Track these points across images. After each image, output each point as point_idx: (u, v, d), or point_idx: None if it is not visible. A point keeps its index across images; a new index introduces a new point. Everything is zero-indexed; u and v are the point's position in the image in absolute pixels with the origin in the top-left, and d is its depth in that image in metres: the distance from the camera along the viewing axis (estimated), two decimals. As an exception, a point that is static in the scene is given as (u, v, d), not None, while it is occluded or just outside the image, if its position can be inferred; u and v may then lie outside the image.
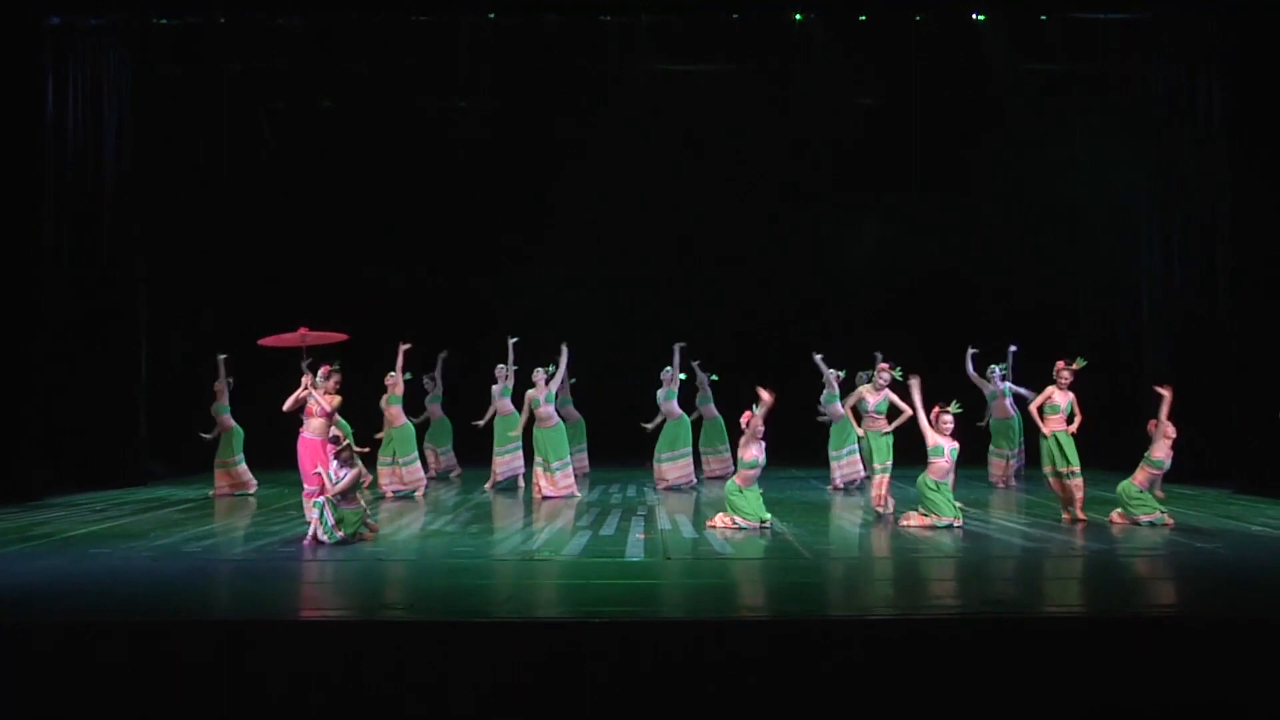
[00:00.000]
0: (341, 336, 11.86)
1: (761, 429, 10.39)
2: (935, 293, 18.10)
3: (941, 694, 6.20)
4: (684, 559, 8.98)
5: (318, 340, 11.56)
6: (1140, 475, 10.62)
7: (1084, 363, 11.07)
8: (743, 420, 10.58)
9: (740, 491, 10.44)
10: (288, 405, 10.62)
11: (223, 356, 14.07)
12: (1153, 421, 10.77)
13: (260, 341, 12.03)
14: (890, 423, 11.45)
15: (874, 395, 11.77)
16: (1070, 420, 10.89)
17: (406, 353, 13.56)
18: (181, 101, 16.25)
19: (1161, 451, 10.56)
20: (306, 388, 10.50)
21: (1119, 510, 10.72)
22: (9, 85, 13.04)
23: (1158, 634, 6.51)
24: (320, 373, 10.62)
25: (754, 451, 10.41)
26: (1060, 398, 10.90)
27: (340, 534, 9.54)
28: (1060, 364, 11.02)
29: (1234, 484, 13.33)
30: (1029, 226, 17.80)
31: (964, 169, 17.57)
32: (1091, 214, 17.35)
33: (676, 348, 14.72)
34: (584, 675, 6.21)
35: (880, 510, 11.16)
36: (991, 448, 14.64)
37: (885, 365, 11.77)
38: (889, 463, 11.38)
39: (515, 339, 14.28)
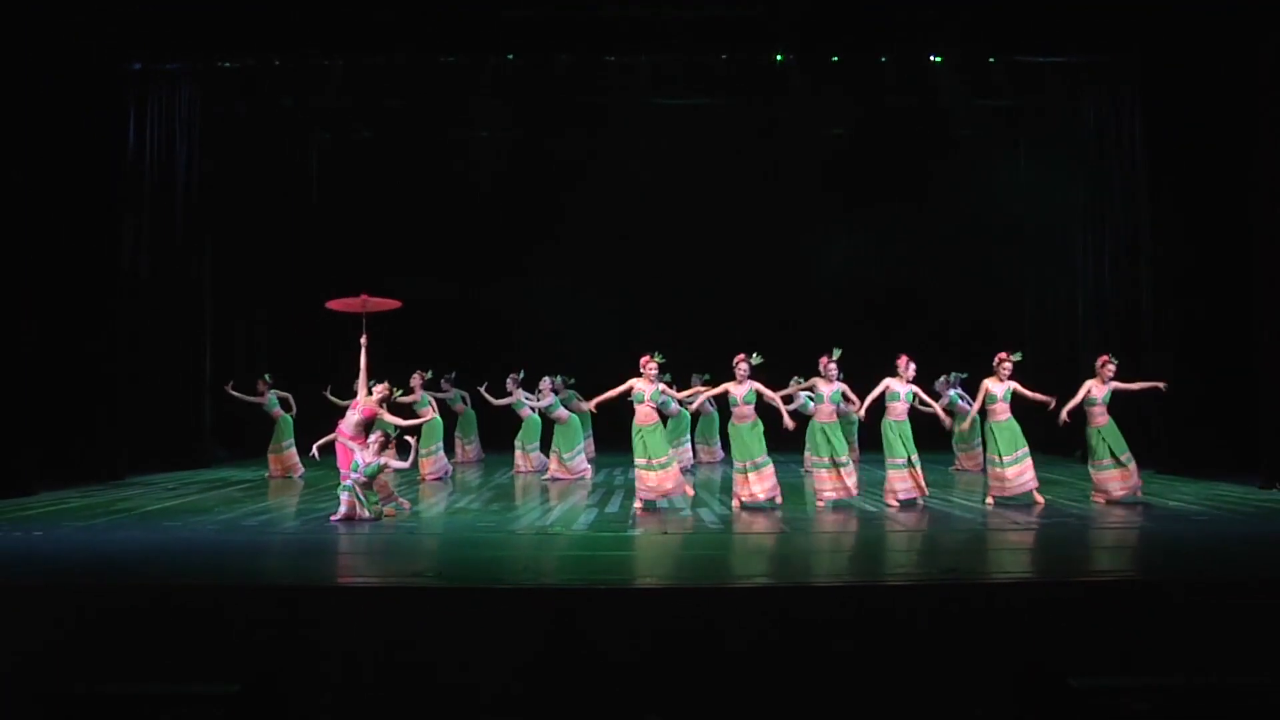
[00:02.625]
0: (397, 304, 11.75)
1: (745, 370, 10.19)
2: (897, 299, 18.02)
3: (896, 652, 6.19)
4: (678, 533, 8.95)
5: (377, 306, 11.49)
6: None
7: (1020, 356, 10.71)
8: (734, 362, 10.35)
9: (740, 430, 10.27)
10: (361, 366, 10.60)
11: (265, 376, 14.12)
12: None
13: (327, 304, 11.99)
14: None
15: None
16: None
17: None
18: (242, 132, 16.47)
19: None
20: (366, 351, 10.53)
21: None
22: (98, 120, 13.20)
23: (1088, 593, 6.52)
24: (378, 390, 10.43)
25: (738, 391, 10.22)
26: (998, 388, 10.52)
27: (367, 514, 9.48)
28: (1001, 355, 10.68)
29: (1156, 465, 13.32)
30: (981, 239, 17.83)
31: (923, 190, 17.63)
32: (1033, 229, 17.38)
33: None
34: (588, 635, 6.19)
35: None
36: (957, 442, 14.10)
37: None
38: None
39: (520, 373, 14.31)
